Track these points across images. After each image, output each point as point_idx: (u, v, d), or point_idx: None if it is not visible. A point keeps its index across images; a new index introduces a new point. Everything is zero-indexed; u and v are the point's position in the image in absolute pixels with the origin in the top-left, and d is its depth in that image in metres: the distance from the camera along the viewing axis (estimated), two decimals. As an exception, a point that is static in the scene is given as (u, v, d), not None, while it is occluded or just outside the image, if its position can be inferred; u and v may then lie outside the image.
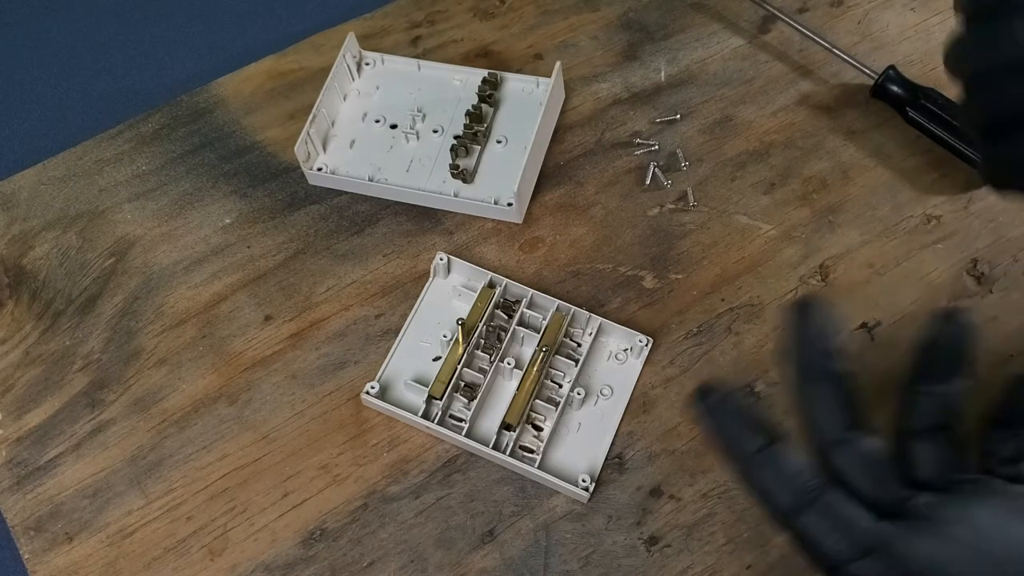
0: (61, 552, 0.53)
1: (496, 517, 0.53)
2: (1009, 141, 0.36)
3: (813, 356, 0.38)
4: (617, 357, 0.58)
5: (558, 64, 0.65)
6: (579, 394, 0.55)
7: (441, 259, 0.60)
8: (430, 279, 0.60)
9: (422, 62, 0.69)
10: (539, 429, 0.55)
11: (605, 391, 0.57)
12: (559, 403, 0.55)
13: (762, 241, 0.62)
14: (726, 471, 0.41)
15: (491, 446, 0.54)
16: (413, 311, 0.59)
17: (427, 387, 0.55)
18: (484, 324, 0.57)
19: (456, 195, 0.63)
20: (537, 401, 0.55)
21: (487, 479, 0.54)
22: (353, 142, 0.66)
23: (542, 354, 0.56)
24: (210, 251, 0.63)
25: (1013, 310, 0.59)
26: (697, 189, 0.64)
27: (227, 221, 0.64)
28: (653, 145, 0.66)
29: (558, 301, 0.58)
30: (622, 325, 0.57)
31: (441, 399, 0.55)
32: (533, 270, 0.61)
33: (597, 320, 0.58)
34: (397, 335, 0.58)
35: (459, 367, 0.55)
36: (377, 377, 0.57)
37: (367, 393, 0.56)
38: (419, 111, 0.67)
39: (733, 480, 0.47)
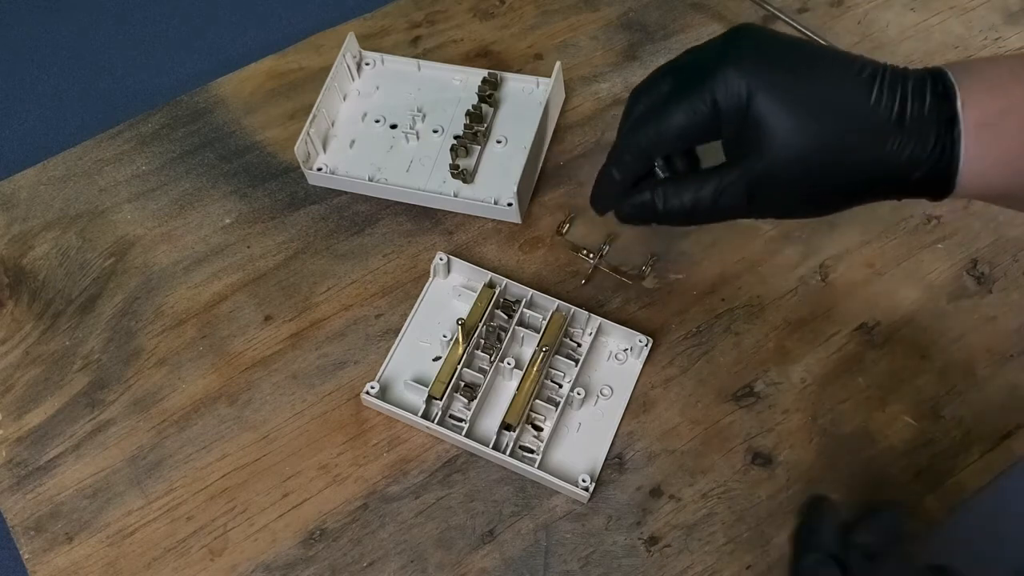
0: (61, 552, 0.53)
1: (496, 517, 0.53)
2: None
3: None
4: (617, 357, 0.58)
5: (558, 64, 0.65)
6: (579, 394, 0.55)
7: (441, 259, 0.60)
8: (430, 279, 0.60)
9: (422, 62, 0.69)
10: (539, 429, 0.55)
11: (605, 391, 0.57)
12: (559, 403, 0.55)
13: (762, 241, 0.62)
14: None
15: (491, 446, 0.54)
16: (413, 311, 0.59)
17: (427, 387, 0.55)
18: (484, 324, 0.57)
19: (456, 195, 0.63)
20: (537, 401, 0.55)
21: (487, 479, 0.54)
22: (353, 142, 0.66)
23: (542, 354, 0.56)
24: (210, 251, 0.63)
25: (1013, 310, 0.59)
26: (697, 189, 0.64)
27: (227, 221, 0.64)
28: (653, 145, 0.66)
29: (558, 301, 0.58)
30: (622, 325, 0.57)
31: (441, 399, 0.55)
32: (533, 270, 0.61)
33: (597, 320, 0.58)
34: (397, 335, 0.58)
35: (459, 367, 0.55)
36: (377, 377, 0.57)
37: (367, 393, 0.56)
38: (419, 111, 0.67)
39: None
